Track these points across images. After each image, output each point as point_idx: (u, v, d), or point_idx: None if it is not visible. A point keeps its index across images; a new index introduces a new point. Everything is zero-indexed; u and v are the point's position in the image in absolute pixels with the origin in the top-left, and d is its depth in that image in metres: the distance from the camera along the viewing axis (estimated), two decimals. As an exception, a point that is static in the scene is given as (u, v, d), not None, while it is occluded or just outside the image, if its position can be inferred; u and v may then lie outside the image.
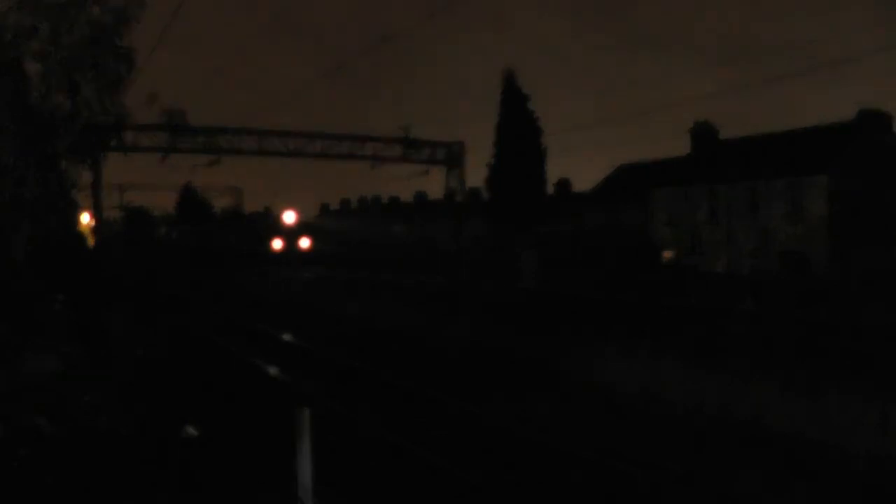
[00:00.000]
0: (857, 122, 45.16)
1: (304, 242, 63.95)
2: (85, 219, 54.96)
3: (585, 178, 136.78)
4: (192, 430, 12.02)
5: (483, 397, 15.77)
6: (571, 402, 15.60)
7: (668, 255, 49.50)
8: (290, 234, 63.48)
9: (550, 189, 57.27)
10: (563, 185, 70.41)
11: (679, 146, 56.58)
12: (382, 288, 37.93)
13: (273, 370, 19.65)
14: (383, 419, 14.00)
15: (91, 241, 51.58)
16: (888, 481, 10.74)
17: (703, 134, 54.50)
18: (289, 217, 60.97)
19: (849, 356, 16.11)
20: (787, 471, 11.12)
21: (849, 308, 25.10)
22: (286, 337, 25.69)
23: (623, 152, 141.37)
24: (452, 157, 56.26)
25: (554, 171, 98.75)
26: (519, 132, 48.49)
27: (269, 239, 64.65)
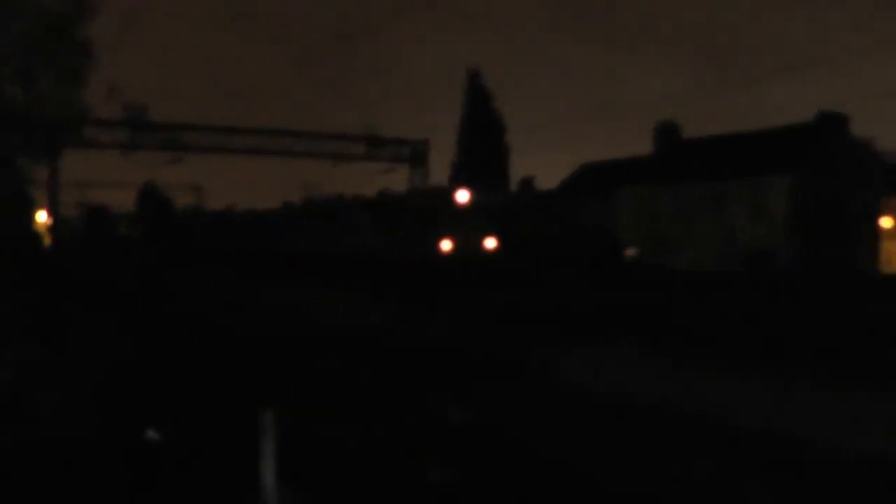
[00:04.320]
0: (816, 124, 45.71)
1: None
2: (42, 217, 53.97)
3: (551, 176, 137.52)
4: (153, 434, 11.64)
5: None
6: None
7: (630, 252, 49.63)
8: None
9: (514, 187, 57.23)
10: (527, 183, 70.36)
11: (646, 145, 56.89)
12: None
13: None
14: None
15: (48, 240, 50.63)
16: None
17: (666, 133, 54.79)
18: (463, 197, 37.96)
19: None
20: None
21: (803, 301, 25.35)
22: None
23: (590, 150, 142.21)
24: (417, 154, 56.10)
25: (519, 169, 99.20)
26: (483, 130, 48.46)
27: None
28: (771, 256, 42.59)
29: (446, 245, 37.15)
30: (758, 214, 44.39)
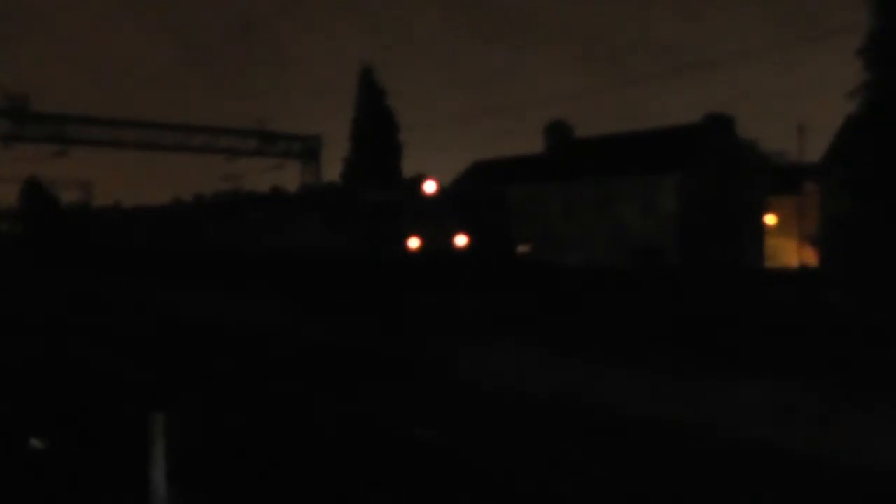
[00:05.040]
0: (704, 125, 46.81)
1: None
2: None
3: (445, 174, 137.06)
4: (37, 443, 11.03)
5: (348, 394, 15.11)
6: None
7: (523, 249, 49.79)
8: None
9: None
10: (418, 180, 69.98)
11: (539, 144, 57.28)
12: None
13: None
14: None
15: None
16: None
17: (557, 132, 55.33)
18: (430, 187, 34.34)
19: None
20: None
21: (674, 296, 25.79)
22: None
23: (484, 149, 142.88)
24: (309, 150, 55.37)
25: (414, 166, 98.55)
26: (376, 127, 47.87)
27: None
28: (658, 253, 43.30)
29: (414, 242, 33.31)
30: (647, 212, 45.11)
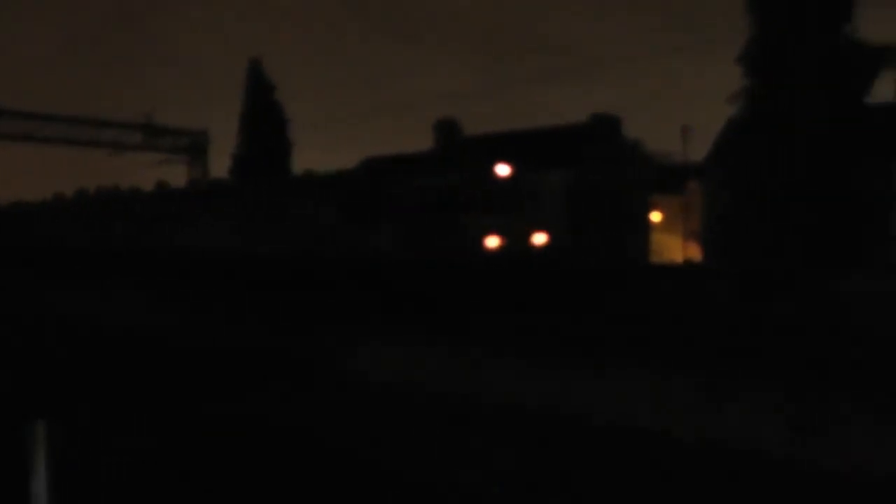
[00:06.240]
0: (590, 125, 47.59)
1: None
2: None
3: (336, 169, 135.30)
4: None
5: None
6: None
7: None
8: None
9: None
10: (309, 176, 69.27)
11: (430, 142, 57.35)
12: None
13: None
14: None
15: None
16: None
17: (446, 130, 55.48)
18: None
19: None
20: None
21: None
22: None
23: (376, 146, 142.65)
24: (197, 145, 54.09)
25: (306, 162, 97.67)
26: (264, 122, 47.04)
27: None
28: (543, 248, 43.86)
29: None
30: (535, 208, 45.60)
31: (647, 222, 50.48)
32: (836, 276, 17.58)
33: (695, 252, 48.51)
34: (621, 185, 47.40)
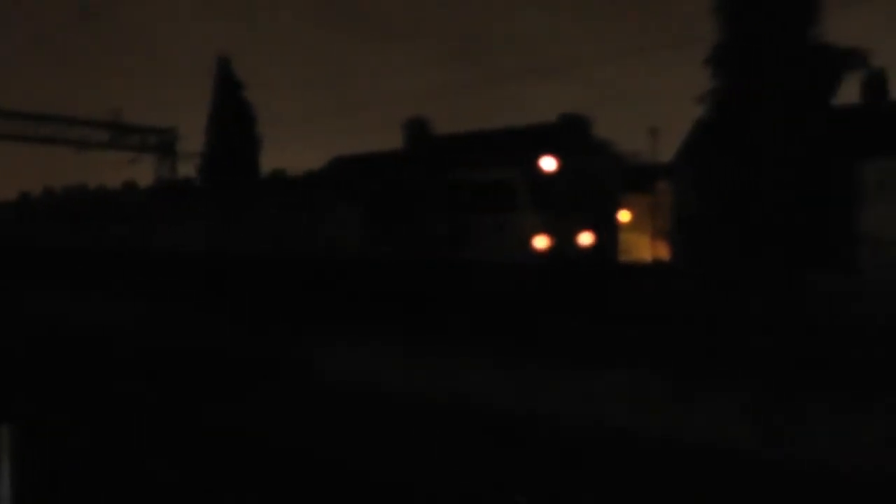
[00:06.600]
0: (559, 124, 47.65)
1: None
2: None
3: (304, 169, 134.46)
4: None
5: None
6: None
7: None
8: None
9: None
10: (278, 175, 68.70)
11: (400, 140, 57.14)
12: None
13: None
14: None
15: None
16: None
17: (416, 129, 55.33)
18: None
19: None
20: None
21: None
22: None
23: (346, 144, 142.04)
24: (165, 144, 53.57)
25: (276, 161, 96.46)
26: (233, 121, 46.61)
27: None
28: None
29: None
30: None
31: (615, 221, 50.74)
32: (802, 275, 17.80)
33: (663, 251, 48.84)
34: (590, 183, 47.52)
